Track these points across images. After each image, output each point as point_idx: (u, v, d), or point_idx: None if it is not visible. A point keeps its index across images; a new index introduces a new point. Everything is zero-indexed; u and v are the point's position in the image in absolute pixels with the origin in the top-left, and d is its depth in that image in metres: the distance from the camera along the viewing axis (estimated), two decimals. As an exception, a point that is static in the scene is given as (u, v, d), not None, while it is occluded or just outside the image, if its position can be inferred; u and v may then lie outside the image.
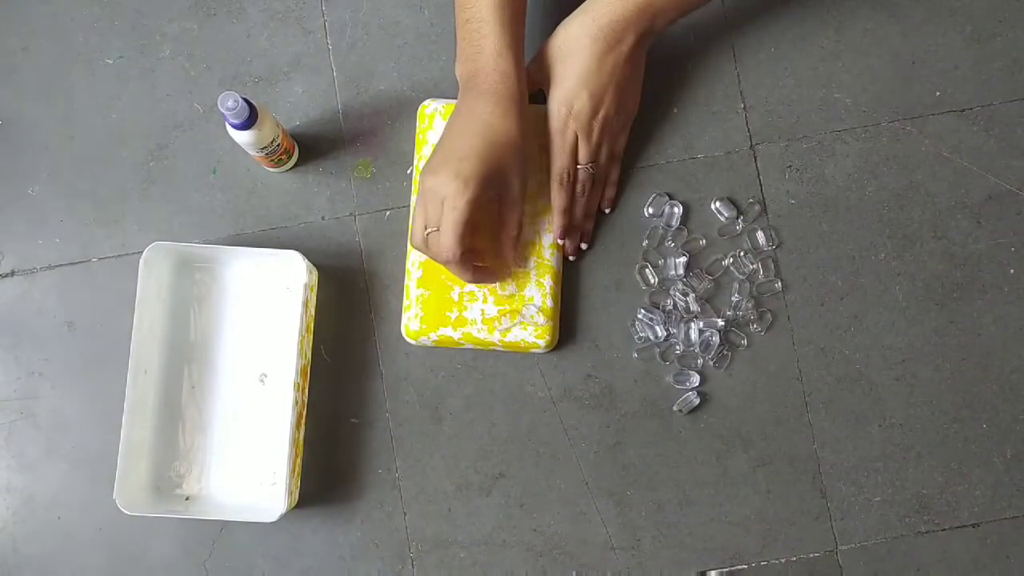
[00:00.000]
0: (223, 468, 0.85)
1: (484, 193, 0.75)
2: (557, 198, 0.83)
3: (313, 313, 0.87)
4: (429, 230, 0.75)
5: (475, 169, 0.74)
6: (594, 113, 0.81)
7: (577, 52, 0.80)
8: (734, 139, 0.88)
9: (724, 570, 0.84)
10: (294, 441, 0.82)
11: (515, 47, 0.77)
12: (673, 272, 0.87)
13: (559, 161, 0.83)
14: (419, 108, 0.87)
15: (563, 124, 0.82)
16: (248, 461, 0.85)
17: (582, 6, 0.81)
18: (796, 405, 0.86)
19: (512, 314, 0.84)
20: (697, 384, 0.86)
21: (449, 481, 0.86)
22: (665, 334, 0.86)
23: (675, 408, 0.86)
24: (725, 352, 0.86)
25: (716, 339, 0.86)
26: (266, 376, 0.86)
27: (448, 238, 0.74)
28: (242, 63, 0.90)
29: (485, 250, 0.82)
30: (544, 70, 0.82)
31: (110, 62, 0.90)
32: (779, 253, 0.88)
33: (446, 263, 0.76)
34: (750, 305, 0.86)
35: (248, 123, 0.78)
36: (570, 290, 0.87)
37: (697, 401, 0.85)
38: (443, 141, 0.77)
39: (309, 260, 0.84)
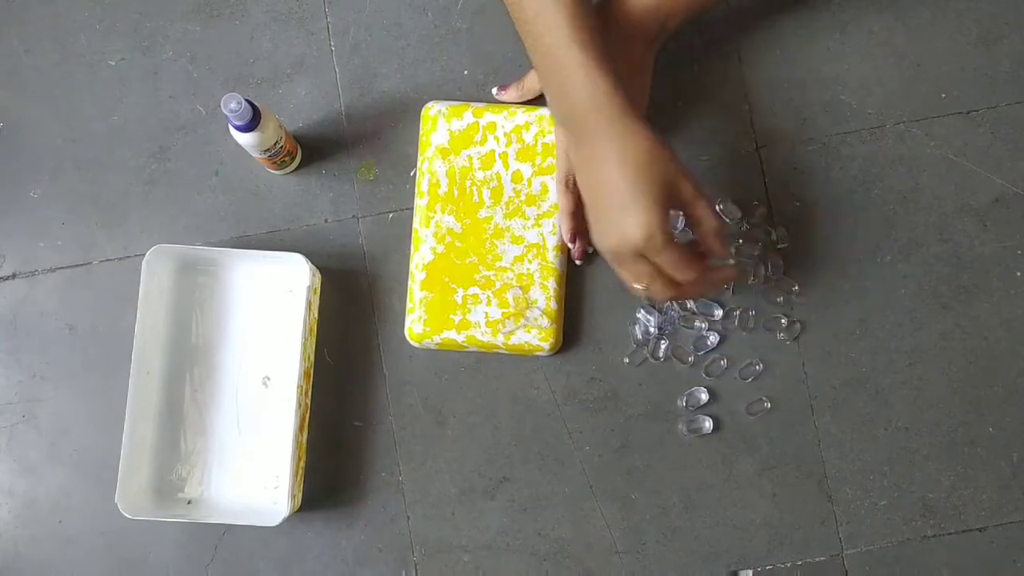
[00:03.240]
0: (225, 471, 0.85)
1: (667, 213, 0.67)
2: (564, 201, 0.83)
3: (316, 316, 0.86)
4: (644, 285, 0.69)
5: (646, 204, 0.66)
6: None
7: None
8: (739, 141, 0.88)
9: (757, 569, 0.84)
10: (297, 444, 0.81)
11: (602, 62, 0.67)
12: (677, 274, 0.86)
13: (565, 164, 0.82)
14: (422, 110, 0.87)
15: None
16: (251, 464, 0.85)
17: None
18: (802, 408, 0.86)
19: (516, 317, 0.84)
20: (706, 400, 0.85)
21: (452, 485, 0.86)
22: (658, 332, 0.85)
23: (682, 428, 0.85)
24: (723, 355, 0.86)
25: (714, 339, 0.85)
26: (269, 379, 0.86)
27: (677, 267, 0.68)
28: (245, 65, 0.89)
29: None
30: None
31: (112, 64, 0.90)
32: (784, 255, 0.87)
33: (693, 292, 0.70)
34: (753, 313, 0.86)
35: (251, 125, 0.77)
36: (574, 292, 0.87)
37: (709, 428, 0.85)
38: (593, 201, 0.70)
39: (312, 263, 0.84)
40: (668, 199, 0.67)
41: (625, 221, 0.66)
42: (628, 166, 0.67)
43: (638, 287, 0.70)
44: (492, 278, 0.84)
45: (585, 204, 0.71)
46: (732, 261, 0.83)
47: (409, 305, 0.85)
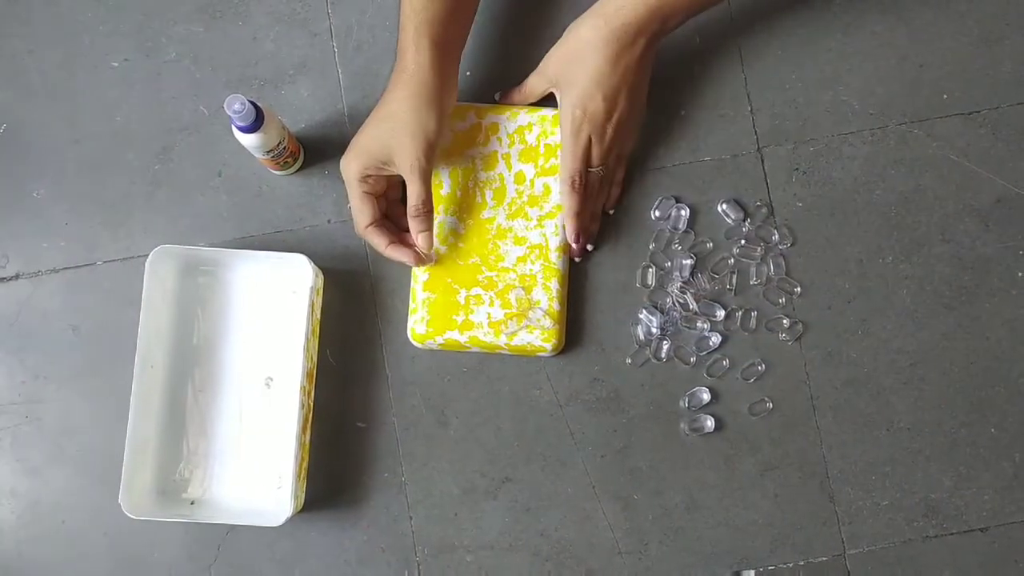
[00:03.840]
0: (228, 472, 0.85)
1: (370, 166, 0.79)
2: (569, 201, 0.83)
3: (319, 316, 0.86)
4: (348, 204, 0.82)
5: (359, 144, 0.79)
6: (608, 116, 0.81)
7: (590, 55, 0.80)
8: (741, 142, 0.88)
9: (759, 569, 0.84)
10: (300, 445, 0.81)
11: (431, 43, 0.78)
12: (678, 273, 0.86)
13: (571, 164, 0.82)
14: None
15: (577, 127, 0.82)
16: (254, 465, 0.85)
17: (592, 8, 0.80)
18: (804, 409, 0.86)
19: (518, 317, 0.83)
20: (707, 400, 0.86)
21: (455, 485, 0.86)
22: (660, 332, 0.85)
23: (684, 428, 0.85)
24: (725, 356, 0.86)
25: (717, 340, 0.85)
26: (272, 380, 0.86)
27: (352, 210, 0.81)
28: (247, 66, 0.89)
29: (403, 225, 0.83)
30: (555, 73, 0.82)
31: (115, 65, 0.89)
32: (786, 256, 0.87)
33: (358, 235, 0.82)
34: (755, 314, 0.86)
35: (254, 126, 0.77)
36: (577, 293, 0.87)
37: (712, 428, 0.85)
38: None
39: (315, 263, 0.83)
40: (376, 154, 0.79)
41: (351, 147, 0.80)
42: (379, 112, 0.79)
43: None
44: (495, 279, 0.84)
45: None
46: (425, 251, 0.82)
47: (412, 306, 0.85)
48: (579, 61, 0.80)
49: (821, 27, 0.89)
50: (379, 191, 0.82)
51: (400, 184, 0.83)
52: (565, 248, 0.85)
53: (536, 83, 0.84)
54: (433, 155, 0.79)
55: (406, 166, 0.78)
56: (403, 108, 0.78)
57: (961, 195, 0.87)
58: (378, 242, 0.81)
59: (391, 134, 0.78)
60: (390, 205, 0.84)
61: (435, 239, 0.84)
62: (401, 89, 0.78)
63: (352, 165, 0.79)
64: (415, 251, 0.82)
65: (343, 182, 0.82)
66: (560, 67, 0.82)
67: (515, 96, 0.86)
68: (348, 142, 0.87)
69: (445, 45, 0.79)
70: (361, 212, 0.80)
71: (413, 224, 0.81)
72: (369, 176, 0.80)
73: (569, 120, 0.82)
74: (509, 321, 0.84)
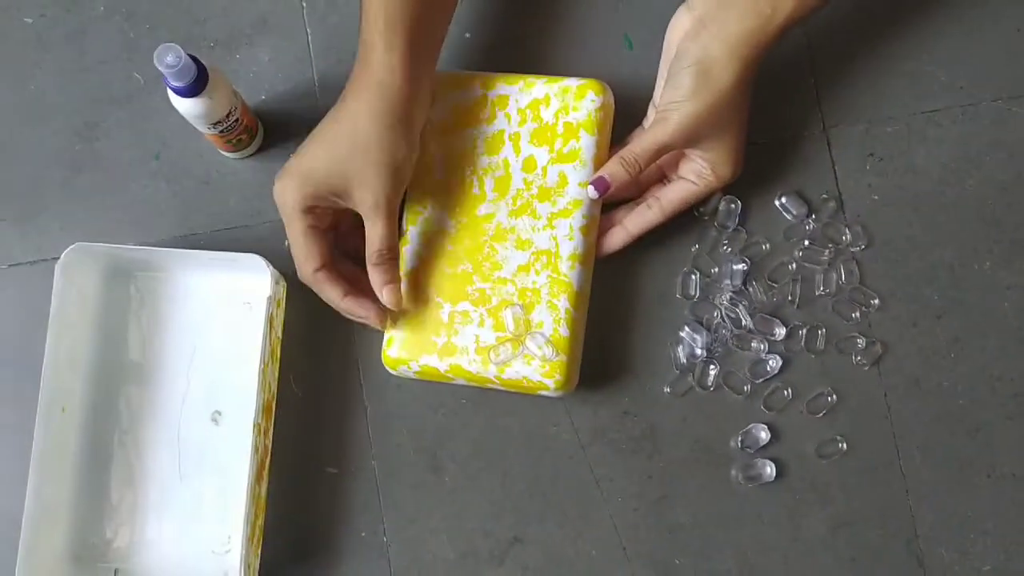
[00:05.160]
0: (163, 532, 0.77)
1: (319, 196, 0.68)
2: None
3: (280, 334, 0.78)
4: (286, 242, 0.71)
5: (303, 166, 0.68)
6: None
7: (735, 115, 0.71)
8: (803, 120, 0.80)
9: None
10: (254, 497, 0.72)
11: (406, 42, 0.68)
12: (728, 282, 0.77)
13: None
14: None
15: (706, 191, 0.74)
16: (195, 524, 0.77)
17: (726, 39, 0.69)
18: (885, 450, 0.77)
19: (513, 343, 0.72)
20: (765, 439, 0.76)
21: (451, 547, 0.77)
22: (706, 354, 0.76)
23: (736, 474, 0.76)
24: (787, 384, 0.76)
25: (776, 364, 0.76)
26: (220, 414, 0.78)
27: (293, 250, 0.69)
28: (195, 24, 0.82)
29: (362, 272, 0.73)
30: (697, 135, 0.71)
31: (29, 21, 0.82)
32: (860, 260, 0.78)
33: (303, 281, 0.71)
34: (823, 332, 0.77)
35: (195, 88, 0.68)
36: (604, 307, 0.77)
37: (771, 475, 0.76)
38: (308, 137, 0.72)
39: (275, 267, 0.74)
40: (331, 187, 0.68)
41: (290, 168, 0.69)
42: (337, 132, 0.68)
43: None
44: (487, 292, 0.74)
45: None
46: (392, 307, 0.71)
47: (387, 322, 0.75)
48: (722, 123, 0.71)
49: (900, -19, 0.82)
50: (328, 224, 0.71)
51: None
52: (582, 257, 0.73)
53: (667, 139, 0.71)
54: (402, 188, 0.70)
55: (369, 202, 0.68)
56: (366, 126, 0.67)
57: (1070, 187, 0.80)
58: (332, 294, 0.69)
59: (350, 160, 0.67)
60: (341, 237, 0.73)
61: (418, 240, 0.74)
62: (365, 99, 0.67)
63: (293, 194, 0.67)
64: (380, 306, 0.70)
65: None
66: (704, 129, 0.71)
67: (619, 168, 0.72)
68: (318, 117, 0.79)
69: (422, 46, 0.69)
70: (307, 254, 0.69)
71: (375, 274, 0.70)
72: (315, 207, 0.68)
73: (701, 186, 0.74)
74: (500, 347, 0.72)
